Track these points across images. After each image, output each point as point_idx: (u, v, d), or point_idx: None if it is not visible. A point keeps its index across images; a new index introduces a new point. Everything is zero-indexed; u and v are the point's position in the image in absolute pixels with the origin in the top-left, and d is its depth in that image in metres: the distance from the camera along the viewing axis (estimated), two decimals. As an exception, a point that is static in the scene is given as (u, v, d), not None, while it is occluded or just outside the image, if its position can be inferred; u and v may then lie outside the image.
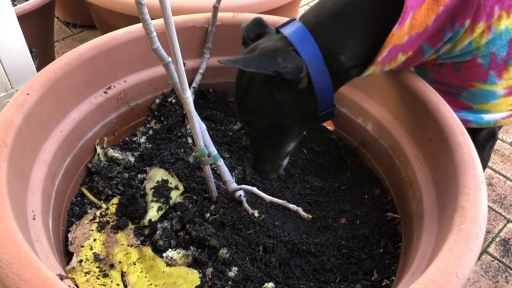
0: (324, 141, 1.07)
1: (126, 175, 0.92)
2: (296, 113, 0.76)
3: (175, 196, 0.86)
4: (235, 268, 0.78)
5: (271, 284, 0.76)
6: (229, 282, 0.76)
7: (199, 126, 0.75)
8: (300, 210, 0.73)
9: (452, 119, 0.80)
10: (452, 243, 0.63)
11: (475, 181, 0.71)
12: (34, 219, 0.72)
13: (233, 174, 0.85)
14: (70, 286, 0.64)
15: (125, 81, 0.98)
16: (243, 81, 0.75)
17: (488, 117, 0.84)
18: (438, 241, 0.69)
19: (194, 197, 0.88)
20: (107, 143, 0.98)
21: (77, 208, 0.88)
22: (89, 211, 0.88)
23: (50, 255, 0.69)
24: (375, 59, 0.73)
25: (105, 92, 0.95)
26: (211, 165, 0.82)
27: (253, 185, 0.91)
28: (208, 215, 0.84)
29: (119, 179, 0.91)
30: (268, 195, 0.91)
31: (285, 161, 0.84)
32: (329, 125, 0.95)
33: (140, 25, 0.98)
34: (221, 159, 0.80)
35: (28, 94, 0.79)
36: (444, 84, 0.85)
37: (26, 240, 0.65)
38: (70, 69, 0.86)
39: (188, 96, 0.71)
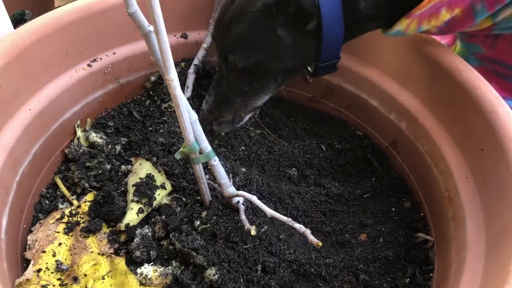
0: (347, 138, 0.90)
1: (108, 166, 0.78)
2: (292, 58, 0.64)
3: (160, 196, 0.71)
4: (224, 293, 0.63)
5: (267, 317, 0.61)
6: (215, 311, 0.62)
7: (187, 116, 0.59)
8: (308, 232, 0.57)
9: (512, 125, 0.62)
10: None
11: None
12: (-22, 218, 0.59)
13: (230, 176, 0.69)
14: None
15: (114, 53, 0.82)
16: (237, 3, 0.62)
17: None
18: (487, 288, 0.53)
19: (184, 199, 0.73)
20: (90, 126, 0.83)
21: (47, 202, 0.75)
22: (60, 206, 0.74)
23: (-11, 267, 0.55)
24: (411, 12, 0.58)
25: (88, 65, 0.80)
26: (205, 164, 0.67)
27: (258, 191, 0.76)
28: (198, 223, 0.69)
29: (99, 170, 0.77)
30: (274, 200, 0.77)
31: (247, 117, 0.74)
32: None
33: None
34: (216, 158, 0.65)
35: (-15, 64, 0.64)
36: (497, 62, 0.67)
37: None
38: (43, 35, 0.71)
39: (173, 77, 0.55)
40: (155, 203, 0.71)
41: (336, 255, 0.73)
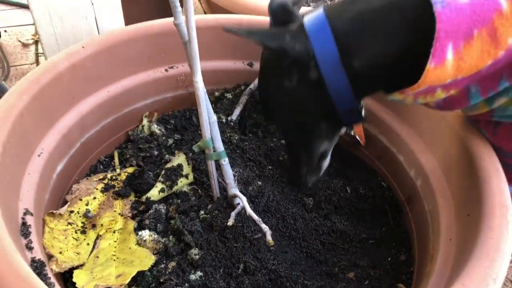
0: (373, 186, 0.94)
1: (156, 152, 0.93)
2: (313, 107, 0.70)
3: (182, 183, 0.84)
4: (199, 273, 0.73)
5: (226, 304, 0.69)
6: (186, 284, 0.71)
7: (206, 115, 0.72)
8: (268, 233, 0.65)
9: (499, 197, 0.64)
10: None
11: (483, 274, 0.55)
12: (39, 155, 0.77)
13: (236, 179, 0.79)
14: (23, 220, 0.66)
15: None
16: (261, 66, 0.72)
17: None
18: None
19: (200, 191, 0.85)
20: (155, 119, 1.00)
21: (101, 167, 0.92)
22: (109, 172, 0.90)
23: (32, 190, 0.72)
24: (405, 89, 0.61)
25: (166, 70, 0.98)
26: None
27: (266, 204, 0.84)
28: (202, 212, 0.80)
29: (147, 154, 0.92)
30: (278, 217, 0.84)
31: (325, 163, 0.82)
32: (360, 138, 0.84)
33: (216, 16, 0.99)
34: (226, 158, 0.76)
35: (83, 47, 0.85)
36: (499, 150, 0.69)
37: (15, 169, 0.70)
38: (134, 37, 0.90)
39: (198, 80, 0.69)
40: (175, 188, 0.84)
41: (318, 282, 0.78)
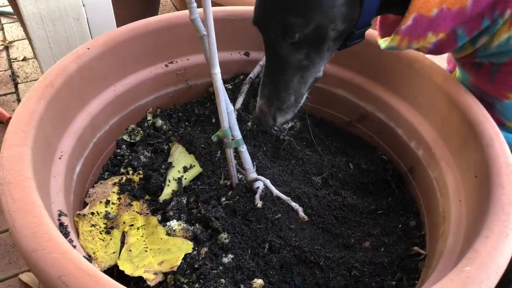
0: (374, 160, 1.00)
1: (166, 146, 0.95)
2: (344, 19, 0.65)
3: (191, 174, 0.87)
4: (231, 256, 0.76)
5: (260, 281, 0.73)
6: (220, 267, 0.75)
7: (225, 105, 0.75)
8: (300, 209, 0.69)
9: (503, 158, 0.70)
10: (445, 283, 0.55)
11: (502, 226, 0.61)
12: (60, 158, 0.78)
13: (254, 164, 0.83)
14: (60, 221, 0.68)
15: (187, 59, 1.01)
16: None
17: None
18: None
19: (218, 181, 0.88)
20: (159, 114, 1.02)
21: (113, 165, 0.93)
22: (122, 170, 0.92)
23: (61, 192, 0.73)
24: (398, 28, 0.67)
25: (166, 66, 0.99)
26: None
27: (280, 186, 0.88)
28: (224, 199, 0.83)
29: (158, 149, 0.95)
30: (293, 197, 0.89)
31: (306, 95, 0.72)
32: None
33: (214, 8, 1.01)
34: (244, 145, 0.79)
35: (88, 49, 0.86)
36: (480, 90, 0.76)
37: (43, 172, 0.71)
38: (134, 36, 0.92)
39: (217, 72, 0.72)
40: (185, 181, 0.87)
41: (338, 253, 0.83)
